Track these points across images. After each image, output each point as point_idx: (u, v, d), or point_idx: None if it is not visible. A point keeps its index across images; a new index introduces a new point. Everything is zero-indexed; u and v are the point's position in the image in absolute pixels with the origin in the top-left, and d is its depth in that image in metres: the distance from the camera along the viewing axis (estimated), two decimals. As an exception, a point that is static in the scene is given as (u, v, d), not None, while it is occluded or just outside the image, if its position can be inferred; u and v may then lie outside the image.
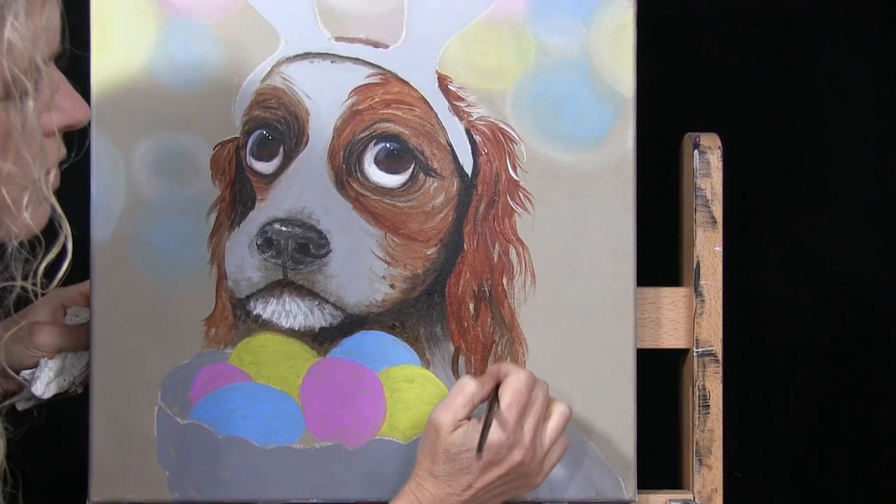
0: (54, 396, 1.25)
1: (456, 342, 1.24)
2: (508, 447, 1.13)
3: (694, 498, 1.28)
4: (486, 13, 1.23)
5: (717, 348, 1.28)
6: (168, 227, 1.22)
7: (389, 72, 1.23)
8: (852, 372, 1.73)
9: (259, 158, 1.23)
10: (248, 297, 1.23)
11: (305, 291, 1.22)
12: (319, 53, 1.23)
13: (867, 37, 1.70)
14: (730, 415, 1.30)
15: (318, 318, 1.23)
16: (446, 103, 1.23)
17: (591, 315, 1.23)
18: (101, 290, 1.22)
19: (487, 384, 1.16)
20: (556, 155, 1.23)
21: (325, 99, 1.22)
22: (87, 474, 1.22)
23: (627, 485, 1.24)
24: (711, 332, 1.28)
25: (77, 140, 1.00)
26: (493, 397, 1.14)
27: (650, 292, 1.28)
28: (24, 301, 0.98)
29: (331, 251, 1.22)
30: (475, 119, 1.23)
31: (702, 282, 1.28)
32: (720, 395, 1.28)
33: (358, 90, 1.23)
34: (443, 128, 1.23)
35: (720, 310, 1.28)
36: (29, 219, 0.93)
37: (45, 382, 1.24)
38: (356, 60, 1.23)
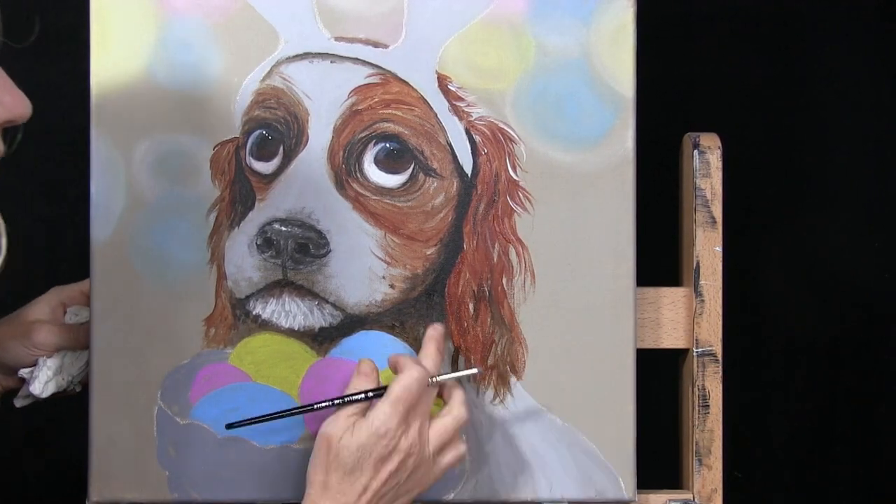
0: (52, 395, 1.25)
1: (456, 342, 1.23)
2: (398, 437, 1.13)
3: (694, 498, 1.28)
4: (486, 13, 1.23)
5: (717, 348, 1.28)
6: (168, 227, 1.22)
7: (389, 72, 1.23)
8: (852, 372, 1.73)
9: (259, 158, 1.23)
10: (247, 297, 1.22)
11: (305, 291, 1.22)
12: (319, 53, 1.23)
13: (867, 37, 1.70)
14: (730, 415, 1.30)
15: (317, 318, 1.23)
16: (446, 103, 1.23)
17: (590, 315, 1.23)
18: (101, 290, 1.22)
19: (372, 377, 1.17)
20: (556, 155, 1.23)
21: (324, 99, 1.22)
22: (86, 474, 1.22)
23: (627, 485, 1.24)
24: (711, 332, 1.28)
25: (15, 137, 0.97)
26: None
27: (650, 292, 1.28)
28: None
29: (330, 251, 1.22)
30: (475, 119, 1.23)
31: (701, 282, 1.28)
32: (720, 395, 1.28)
33: (358, 90, 1.22)
34: (442, 128, 1.23)
35: (720, 310, 1.28)
36: None
37: (43, 381, 1.24)
38: (356, 60, 1.23)
